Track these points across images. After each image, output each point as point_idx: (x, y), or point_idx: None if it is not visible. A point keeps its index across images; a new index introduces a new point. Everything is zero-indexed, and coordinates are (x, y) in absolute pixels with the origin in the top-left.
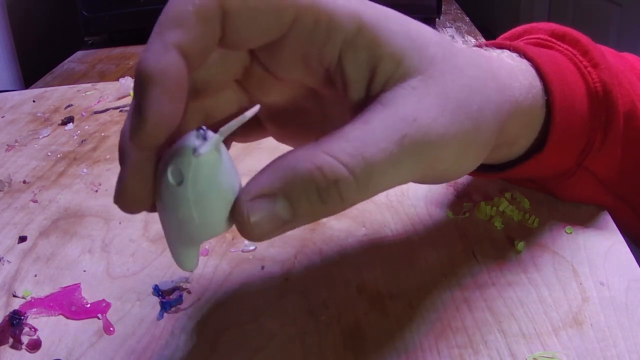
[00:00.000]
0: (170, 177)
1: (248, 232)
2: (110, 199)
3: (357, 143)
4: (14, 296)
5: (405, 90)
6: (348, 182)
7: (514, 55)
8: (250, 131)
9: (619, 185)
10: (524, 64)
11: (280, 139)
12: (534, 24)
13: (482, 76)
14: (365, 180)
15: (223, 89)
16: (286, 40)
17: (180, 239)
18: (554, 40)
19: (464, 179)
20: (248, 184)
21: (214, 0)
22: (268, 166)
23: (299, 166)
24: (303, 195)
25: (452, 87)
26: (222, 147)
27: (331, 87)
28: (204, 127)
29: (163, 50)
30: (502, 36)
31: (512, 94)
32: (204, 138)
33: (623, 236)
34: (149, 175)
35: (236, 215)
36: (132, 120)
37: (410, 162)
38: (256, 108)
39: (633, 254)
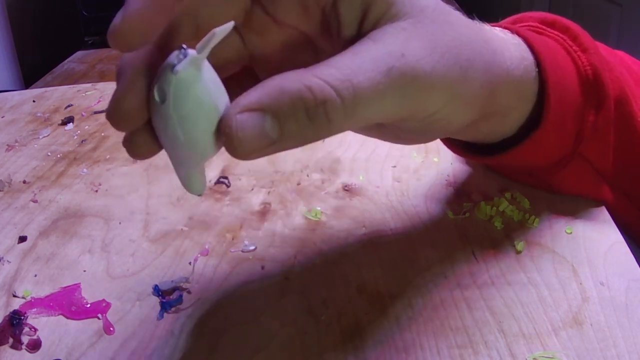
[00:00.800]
0: (155, 95)
1: (235, 147)
2: (111, 199)
3: (346, 70)
4: (14, 296)
5: (394, 29)
6: (335, 104)
7: (506, 31)
8: (250, 87)
9: (615, 175)
10: (516, 39)
11: None
12: (525, 14)
13: (472, 35)
14: (352, 104)
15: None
16: None
17: (176, 160)
18: (544, 27)
19: (464, 179)
20: (237, 99)
21: None
22: (258, 85)
23: (289, 85)
24: (291, 114)
25: (441, 35)
26: (206, 66)
27: (327, 36)
28: (184, 46)
29: None
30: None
31: (503, 61)
32: (184, 56)
33: (623, 236)
34: (141, 91)
35: (223, 128)
36: (113, 20)
37: (397, 94)
38: (230, 24)
39: (633, 254)
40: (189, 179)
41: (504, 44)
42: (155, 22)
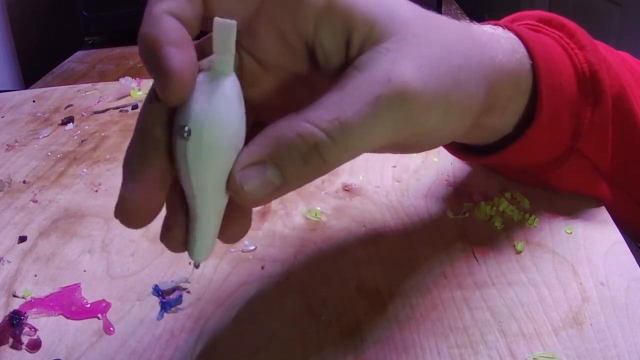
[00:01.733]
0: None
1: (243, 199)
2: (111, 199)
3: (333, 108)
4: (14, 296)
5: (379, 52)
6: (327, 144)
7: (497, 27)
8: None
9: (614, 171)
10: (506, 33)
11: None
12: (522, 12)
13: (459, 37)
14: (344, 142)
15: None
16: (261, 17)
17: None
18: (541, 25)
19: (464, 179)
20: (239, 156)
21: None
22: (255, 138)
23: (282, 135)
24: (289, 161)
25: (427, 47)
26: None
27: (317, 70)
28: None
29: (159, 16)
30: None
31: (494, 55)
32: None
33: (623, 235)
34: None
35: (230, 185)
36: (157, 83)
37: (388, 121)
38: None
39: (633, 254)
40: (199, 246)
41: (493, 38)
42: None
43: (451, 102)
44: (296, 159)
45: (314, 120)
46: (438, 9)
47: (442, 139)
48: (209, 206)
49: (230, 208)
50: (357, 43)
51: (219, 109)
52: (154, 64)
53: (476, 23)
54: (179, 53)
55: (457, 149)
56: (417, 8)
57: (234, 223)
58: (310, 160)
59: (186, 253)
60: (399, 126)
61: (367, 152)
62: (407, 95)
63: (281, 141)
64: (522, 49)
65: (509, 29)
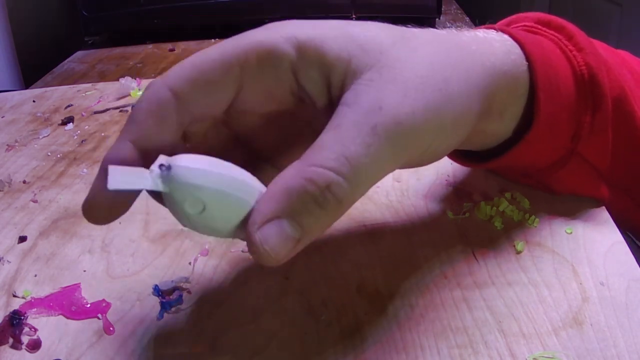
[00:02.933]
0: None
1: (266, 259)
2: None
3: (336, 147)
4: (14, 296)
5: (362, 85)
6: (339, 183)
7: (490, 31)
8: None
9: (614, 172)
10: (500, 36)
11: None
12: (521, 14)
13: (442, 50)
14: (354, 177)
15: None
16: (245, 88)
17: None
18: (539, 26)
19: (464, 179)
20: (252, 216)
21: (165, 92)
22: (264, 195)
23: (291, 185)
24: (304, 209)
25: (409, 69)
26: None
27: (305, 109)
28: (163, 163)
29: (118, 144)
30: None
31: (486, 59)
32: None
33: (623, 235)
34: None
35: (251, 247)
36: (86, 197)
37: (390, 148)
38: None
39: (633, 254)
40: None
41: (485, 43)
42: (117, 206)
43: (444, 117)
44: (311, 206)
45: (321, 163)
46: (438, 9)
47: (442, 152)
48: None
49: None
50: (337, 81)
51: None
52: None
53: (467, 29)
54: (104, 191)
55: (457, 155)
56: (393, 31)
57: None
58: (325, 204)
59: (186, 252)
60: (399, 151)
61: (374, 183)
62: (400, 120)
63: (292, 192)
64: (517, 50)
65: (504, 32)
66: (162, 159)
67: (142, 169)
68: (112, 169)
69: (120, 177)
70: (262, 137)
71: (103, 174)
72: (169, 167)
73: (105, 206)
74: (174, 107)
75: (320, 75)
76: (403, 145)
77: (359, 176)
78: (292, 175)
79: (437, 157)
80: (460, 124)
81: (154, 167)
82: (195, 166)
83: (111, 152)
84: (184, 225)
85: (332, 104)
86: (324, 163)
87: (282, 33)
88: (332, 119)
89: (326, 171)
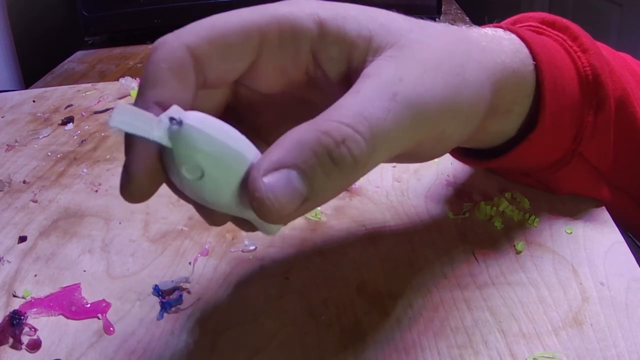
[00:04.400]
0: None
1: (269, 211)
2: (111, 199)
3: (355, 107)
4: (14, 296)
5: (383, 60)
6: (356, 139)
7: (498, 30)
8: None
9: (615, 174)
10: (508, 35)
11: None
12: (525, 14)
13: (457, 41)
14: (371, 137)
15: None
16: (260, 60)
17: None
18: (544, 27)
19: (464, 179)
20: (258, 162)
21: (183, 52)
22: (275, 144)
23: (306, 136)
24: (316, 163)
25: (427, 51)
26: (207, 123)
27: (317, 88)
28: (174, 112)
29: (146, 107)
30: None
31: (496, 55)
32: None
33: (623, 235)
34: (154, 166)
35: (252, 193)
36: (121, 176)
37: (408, 117)
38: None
39: (633, 254)
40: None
41: (494, 41)
42: (155, 181)
43: (460, 100)
44: (325, 160)
45: (339, 118)
46: (438, 9)
47: (450, 143)
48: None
49: None
50: (359, 58)
51: (215, 139)
52: (125, 157)
53: (476, 27)
54: (143, 159)
55: (459, 153)
56: (409, 19)
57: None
58: (339, 159)
59: (186, 252)
60: (417, 123)
61: (390, 154)
62: (420, 92)
63: (305, 142)
64: (525, 50)
65: (511, 31)
66: (174, 110)
67: (151, 116)
68: (120, 107)
69: (126, 118)
70: (263, 113)
71: (129, 148)
72: (180, 122)
73: (143, 180)
74: (192, 67)
75: (341, 54)
76: (422, 118)
77: (377, 138)
78: (305, 129)
79: (445, 150)
80: (474, 113)
81: (164, 117)
82: (205, 130)
83: None
84: (177, 186)
85: (349, 85)
86: (342, 119)
87: (305, 9)
88: (352, 87)
89: (343, 126)
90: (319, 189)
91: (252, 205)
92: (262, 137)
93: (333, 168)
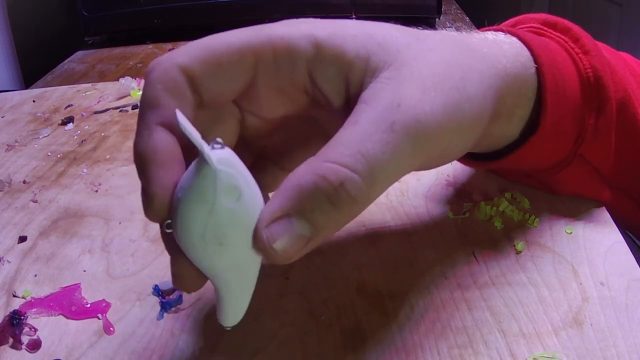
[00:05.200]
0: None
1: (274, 258)
2: (111, 199)
3: (352, 143)
4: (14, 296)
5: (381, 83)
6: (354, 180)
7: (499, 33)
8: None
9: (616, 175)
10: (509, 38)
11: None
12: (526, 15)
13: (457, 51)
14: (370, 174)
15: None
16: (257, 82)
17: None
18: (545, 28)
19: (464, 179)
20: (261, 213)
21: (177, 72)
22: (276, 192)
23: (304, 181)
24: (316, 207)
25: (426, 67)
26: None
27: (319, 110)
28: (218, 140)
29: (148, 131)
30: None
31: (497, 61)
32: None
33: (623, 235)
34: (170, 187)
35: (258, 244)
36: (142, 197)
37: (410, 146)
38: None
39: (633, 254)
40: (223, 306)
41: (495, 45)
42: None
43: (462, 116)
44: (324, 204)
45: (336, 159)
46: (438, 9)
47: (456, 153)
48: (245, 280)
49: None
50: (356, 79)
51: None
52: (141, 179)
53: (477, 31)
54: (162, 176)
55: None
56: (408, 32)
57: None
58: (338, 202)
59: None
60: (419, 149)
61: (392, 182)
62: (419, 117)
63: (304, 188)
64: (525, 53)
65: (512, 34)
66: (219, 139)
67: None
68: (181, 115)
69: (187, 124)
70: (271, 137)
71: (149, 164)
72: (223, 146)
73: (167, 199)
74: (187, 86)
75: (338, 74)
76: (423, 143)
77: (376, 174)
78: (304, 171)
79: (451, 159)
80: (477, 124)
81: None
82: (237, 160)
83: (146, 140)
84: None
85: (348, 104)
86: (339, 159)
87: (301, 29)
88: (350, 116)
89: (340, 167)
90: (320, 228)
91: (259, 252)
92: (275, 162)
93: (333, 209)
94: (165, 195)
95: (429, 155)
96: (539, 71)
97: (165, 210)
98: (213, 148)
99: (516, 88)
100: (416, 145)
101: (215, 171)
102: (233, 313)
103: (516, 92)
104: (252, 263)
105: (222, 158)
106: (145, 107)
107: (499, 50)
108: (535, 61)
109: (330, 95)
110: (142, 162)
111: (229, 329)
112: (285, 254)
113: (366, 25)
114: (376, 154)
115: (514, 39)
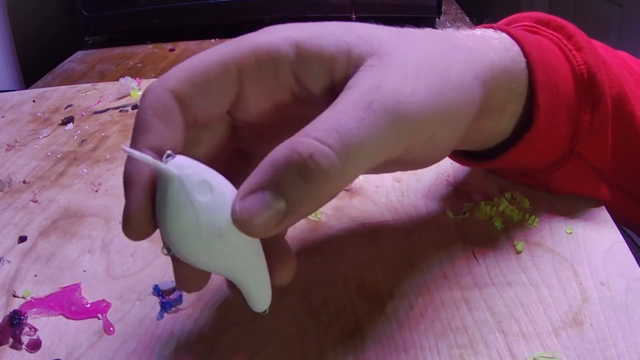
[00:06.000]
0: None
1: (250, 231)
2: (111, 199)
3: (328, 121)
4: (14, 296)
5: (363, 70)
6: (324, 153)
7: (488, 30)
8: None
9: (615, 173)
10: (498, 34)
11: None
12: (520, 14)
13: (440, 43)
14: (342, 148)
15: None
16: (244, 90)
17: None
18: (539, 26)
19: (464, 179)
20: (239, 189)
21: (167, 97)
22: (255, 169)
23: (277, 156)
24: (287, 180)
25: (409, 57)
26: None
27: (308, 105)
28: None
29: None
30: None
31: (483, 53)
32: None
33: (623, 235)
34: (149, 206)
35: (234, 216)
36: (122, 217)
37: (388, 125)
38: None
39: (633, 254)
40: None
41: (482, 40)
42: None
43: (447, 103)
44: (295, 178)
45: (309, 133)
46: (438, 9)
47: (443, 148)
48: (257, 261)
49: (272, 255)
50: (340, 72)
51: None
52: (125, 199)
53: (464, 29)
54: (143, 198)
55: (457, 154)
56: (389, 28)
57: (280, 269)
58: (309, 174)
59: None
60: (399, 129)
61: (371, 163)
62: (400, 99)
63: (276, 162)
64: (515, 48)
65: (503, 31)
66: (167, 151)
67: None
68: (127, 147)
69: (136, 152)
70: (262, 139)
71: (129, 186)
72: (174, 156)
73: (144, 219)
74: (177, 109)
75: (321, 70)
76: (404, 124)
77: (350, 149)
78: (279, 147)
79: (441, 151)
80: (464, 114)
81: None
82: (193, 161)
83: (133, 161)
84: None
85: (335, 98)
86: (311, 134)
87: (280, 34)
88: (332, 103)
89: (310, 140)
90: (294, 203)
91: (236, 224)
92: (245, 145)
93: (303, 182)
94: (142, 216)
95: (415, 140)
96: (529, 66)
97: (142, 230)
98: (167, 162)
99: (505, 82)
100: (396, 125)
101: (180, 177)
102: (261, 296)
103: (506, 86)
104: (254, 243)
105: (178, 164)
106: (135, 131)
107: (486, 44)
108: (525, 56)
109: (317, 93)
110: (126, 183)
111: (266, 312)
112: (260, 228)
113: (346, 23)
114: (350, 129)
115: (504, 35)
